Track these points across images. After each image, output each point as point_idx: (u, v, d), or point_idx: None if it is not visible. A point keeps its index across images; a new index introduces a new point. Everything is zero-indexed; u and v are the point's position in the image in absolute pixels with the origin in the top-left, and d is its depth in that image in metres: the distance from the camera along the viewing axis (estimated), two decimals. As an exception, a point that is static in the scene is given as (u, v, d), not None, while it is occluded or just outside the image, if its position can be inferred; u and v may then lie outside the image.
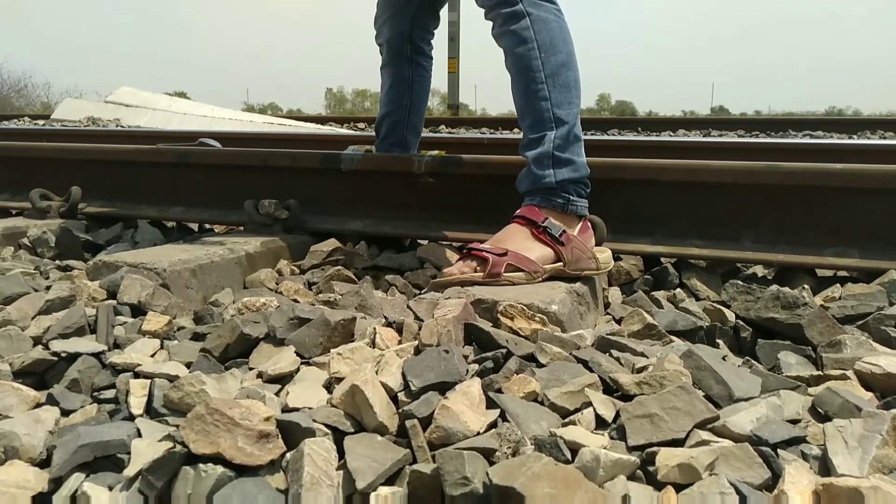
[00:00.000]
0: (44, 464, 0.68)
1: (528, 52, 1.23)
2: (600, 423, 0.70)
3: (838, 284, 1.22)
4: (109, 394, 0.80)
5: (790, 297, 1.02)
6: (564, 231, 1.17)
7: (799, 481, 0.58)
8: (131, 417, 0.74)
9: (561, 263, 1.16)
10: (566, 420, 0.71)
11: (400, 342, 0.91)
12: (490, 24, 1.32)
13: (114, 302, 1.05)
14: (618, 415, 0.70)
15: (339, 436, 0.68)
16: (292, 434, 0.66)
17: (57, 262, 1.43)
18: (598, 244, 1.35)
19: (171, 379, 0.79)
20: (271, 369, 0.82)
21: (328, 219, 1.66)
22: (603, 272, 1.22)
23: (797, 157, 2.24)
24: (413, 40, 1.75)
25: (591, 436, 0.66)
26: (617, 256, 1.39)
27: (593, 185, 1.38)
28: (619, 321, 1.16)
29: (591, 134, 5.27)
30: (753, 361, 0.90)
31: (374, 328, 0.91)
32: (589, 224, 1.26)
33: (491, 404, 0.72)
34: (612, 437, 0.68)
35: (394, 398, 0.73)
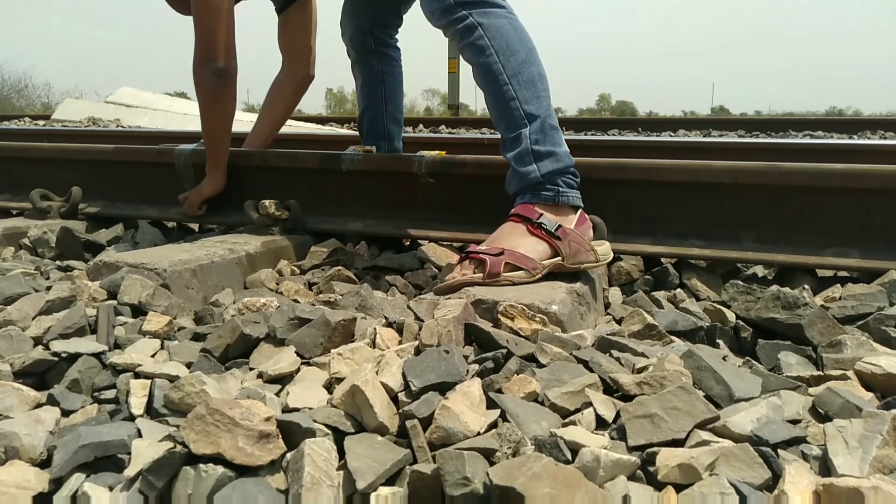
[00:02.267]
0: (44, 464, 0.68)
1: (487, 60, 1.26)
2: (601, 423, 0.70)
3: (838, 284, 1.22)
4: (110, 394, 0.81)
5: (790, 297, 1.02)
6: (560, 226, 1.18)
7: (799, 481, 0.58)
8: (132, 418, 0.74)
9: (559, 258, 1.16)
10: (566, 420, 0.71)
11: (400, 342, 0.91)
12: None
13: (114, 302, 1.05)
14: (618, 415, 0.70)
15: (339, 436, 0.68)
16: (292, 434, 0.66)
17: (57, 262, 1.43)
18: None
19: (172, 379, 0.79)
20: (272, 369, 0.82)
21: (328, 219, 1.66)
22: (602, 264, 1.22)
23: (797, 157, 2.24)
24: (375, 35, 1.84)
25: (592, 436, 0.66)
26: (617, 256, 1.39)
27: (594, 185, 1.38)
28: (619, 321, 1.16)
29: (592, 134, 5.28)
30: (754, 361, 0.90)
31: (375, 328, 0.91)
32: (586, 216, 1.26)
33: (491, 404, 0.72)
34: (612, 438, 0.68)
35: (394, 398, 0.73)
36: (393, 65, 1.88)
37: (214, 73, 1.54)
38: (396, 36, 1.91)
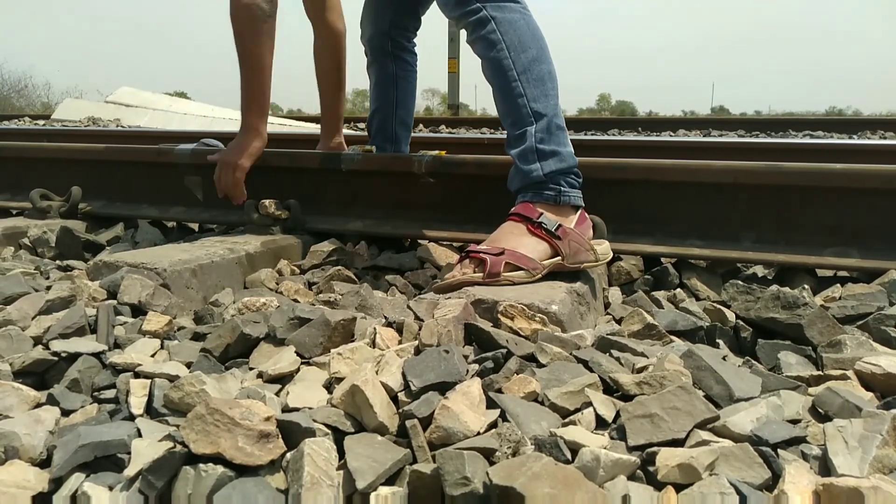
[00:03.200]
0: (44, 464, 0.68)
1: (498, 54, 1.26)
2: (600, 423, 0.70)
3: (838, 284, 1.22)
4: (110, 394, 0.80)
5: (790, 297, 1.02)
6: (560, 225, 1.18)
7: (799, 481, 0.58)
8: (131, 417, 0.74)
9: (559, 258, 1.16)
10: (566, 420, 0.71)
11: (400, 342, 0.91)
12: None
13: (114, 302, 1.05)
14: (618, 415, 0.70)
15: (339, 436, 0.68)
16: (292, 434, 0.66)
17: (57, 262, 1.43)
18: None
19: (172, 379, 0.79)
20: (271, 369, 0.82)
21: (328, 219, 1.66)
22: (601, 263, 1.22)
23: (797, 157, 2.24)
24: (393, 37, 1.83)
25: (592, 436, 0.66)
26: (617, 256, 1.39)
27: (594, 185, 1.38)
28: (619, 321, 1.16)
29: (592, 134, 5.28)
30: (753, 361, 0.90)
31: (375, 328, 0.91)
32: (586, 215, 1.26)
33: (491, 404, 0.72)
34: (612, 437, 0.68)
35: (394, 398, 0.73)
36: (407, 69, 1.89)
37: (266, 2, 1.48)
38: (414, 40, 1.90)
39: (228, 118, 6.98)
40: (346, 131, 2.22)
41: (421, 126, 6.75)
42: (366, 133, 2.00)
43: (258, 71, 1.54)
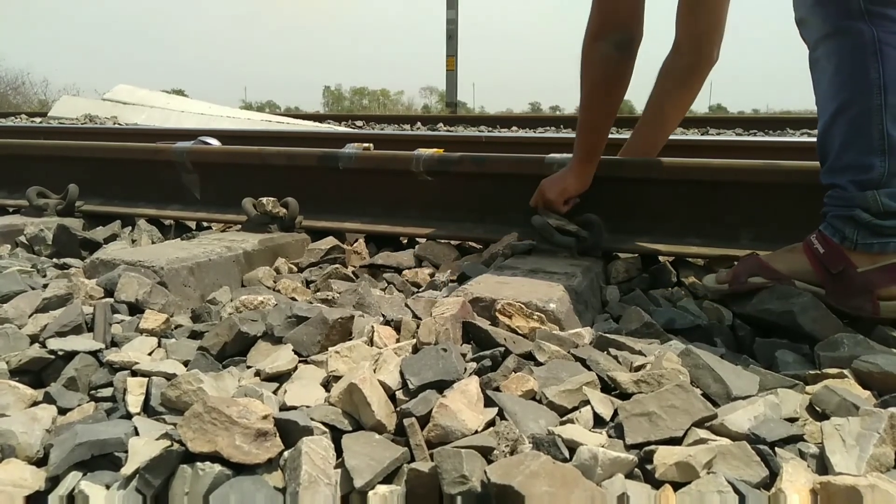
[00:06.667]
0: (41, 462, 0.68)
1: None
2: (598, 421, 0.70)
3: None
4: (107, 392, 0.80)
5: (784, 289, 1.02)
6: None
7: (796, 479, 0.58)
8: (129, 416, 0.74)
9: None
10: (564, 418, 0.71)
11: (398, 340, 0.91)
12: None
13: (111, 300, 1.05)
14: (616, 413, 0.70)
15: (336, 434, 0.68)
16: (290, 432, 0.66)
17: (54, 260, 1.43)
18: (595, 245, 1.35)
19: (169, 377, 0.79)
20: (269, 367, 0.82)
21: (326, 217, 1.65)
22: None
23: (795, 155, 2.25)
24: None
25: (589, 434, 0.66)
26: (615, 255, 1.39)
27: (592, 182, 1.38)
28: (617, 319, 1.15)
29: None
30: (751, 360, 0.90)
31: (372, 326, 0.91)
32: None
33: (489, 402, 0.72)
34: (610, 436, 0.68)
35: (392, 396, 0.73)
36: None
37: (616, 46, 1.25)
38: None
39: (226, 116, 6.96)
40: (343, 129, 2.19)
41: (419, 124, 6.76)
42: (364, 130, 1.98)
43: (603, 122, 1.36)
